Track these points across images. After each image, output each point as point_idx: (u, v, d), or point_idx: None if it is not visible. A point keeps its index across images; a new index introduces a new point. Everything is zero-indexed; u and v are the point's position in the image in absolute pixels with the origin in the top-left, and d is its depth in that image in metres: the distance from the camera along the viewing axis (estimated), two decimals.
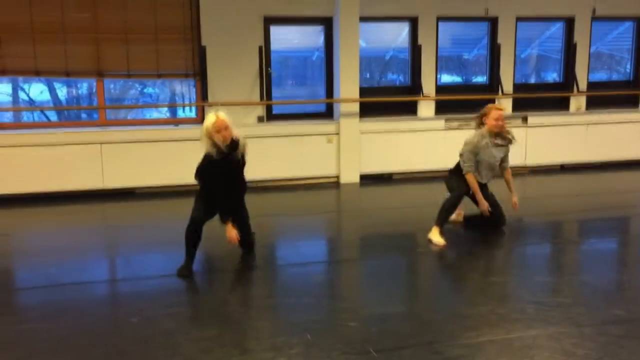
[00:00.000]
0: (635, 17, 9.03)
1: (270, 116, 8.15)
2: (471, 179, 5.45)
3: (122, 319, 3.76)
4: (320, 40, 8.24)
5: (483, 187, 5.60)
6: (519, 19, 8.55)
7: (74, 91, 9.06)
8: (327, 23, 8.07)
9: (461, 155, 5.56)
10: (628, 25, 9.20)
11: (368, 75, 8.92)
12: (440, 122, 8.36)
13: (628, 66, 9.36)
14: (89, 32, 7.43)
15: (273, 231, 6.09)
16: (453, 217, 5.80)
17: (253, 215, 5.11)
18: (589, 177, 8.41)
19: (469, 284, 4.39)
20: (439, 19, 8.31)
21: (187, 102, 8.06)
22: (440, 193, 5.76)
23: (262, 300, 4.17)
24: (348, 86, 7.91)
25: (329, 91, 8.23)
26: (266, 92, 7.97)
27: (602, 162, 8.89)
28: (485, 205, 5.47)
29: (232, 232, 4.65)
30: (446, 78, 9.22)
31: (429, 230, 5.35)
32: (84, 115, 8.46)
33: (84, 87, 8.83)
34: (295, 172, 7.98)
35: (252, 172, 7.78)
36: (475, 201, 5.56)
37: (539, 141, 8.64)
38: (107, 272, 5.02)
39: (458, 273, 4.75)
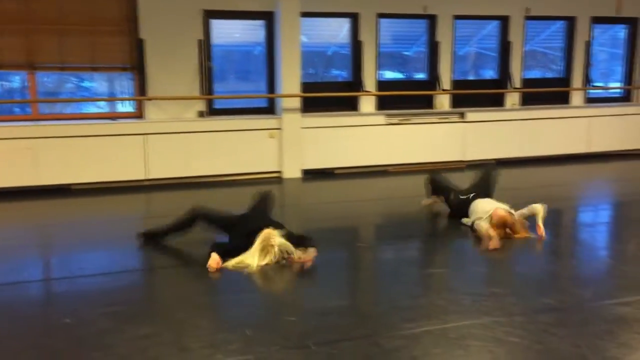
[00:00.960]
0: (566, 17, 9.38)
1: (212, 111, 8.06)
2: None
3: (56, 319, 3.64)
4: (262, 34, 8.20)
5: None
6: (456, 17, 8.75)
7: (5, 84, 8.69)
8: (268, 18, 8.04)
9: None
10: (560, 25, 9.55)
11: (311, 71, 8.94)
12: (381, 118, 8.47)
13: (560, 64, 9.72)
14: (20, 23, 7.15)
15: None
16: (429, 200, 6.21)
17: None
18: (523, 171, 8.69)
19: (409, 277, 4.46)
20: (379, 15, 8.41)
21: (125, 96, 7.88)
22: (381, 188, 5.83)
23: (202, 297, 4.12)
24: (290, 81, 7.90)
25: (271, 86, 8.21)
26: (207, 86, 7.87)
27: (536, 156, 9.21)
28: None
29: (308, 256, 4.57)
30: (387, 74, 9.34)
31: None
32: (16, 110, 8.14)
33: (16, 79, 8.49)
34: (237, 168, 7.92)
35: (193, 168, 7.78)
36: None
37: (476, 137, 8.87)
38: (41, 271, 4.85)
39: (398, 266, 4.83)
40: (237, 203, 7.00)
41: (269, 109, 8.29)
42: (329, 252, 5.03)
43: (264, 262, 4.47)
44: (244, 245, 4.58)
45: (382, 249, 5.19)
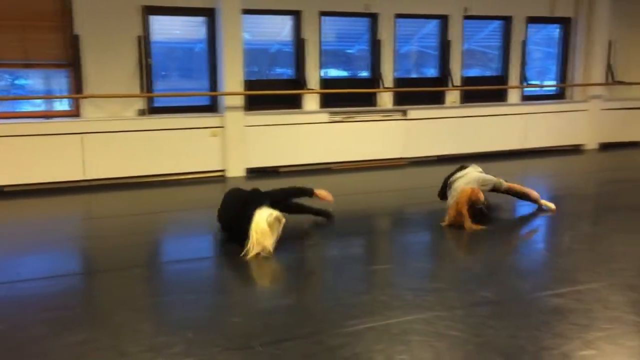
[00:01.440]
0: (503, 17, 9.63)
1: (152, 109, 7.89)
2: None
3: None
4: (203, 31, 8.08)
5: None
6: (397, 16, 8.86)
7: None
8: (209, 14, 7.93)
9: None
10: (497, 24, 9.80)
11: (254, 69, 8.87)
12: (325, 115, 8.49)
13: (498, 63, 9.98)
14: None
15: (156, 228, 5.91)
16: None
17: (136, 213, 4.92)
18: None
19: (353, 274, 4.49)
20: (322, 13, 8.43)
21: (61, 94, 7.62)
22: (325, 186, 5.84)
23: (143, 300, 4.03)
24: (232, 79, 7.83)
25: (213, 84, 8.10)
26: (147, 84, 7.70)
27: (476, 153, 9.42)
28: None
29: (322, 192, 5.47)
30: (331, 72, 9.38)
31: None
32: None
33: None
34: (179, 167, 7.79)
35: (133, 167, 7.61)
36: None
37: (418, 134, 9.01)
38: None
39: (343, 263, 4.85)
40: (179, 202, 6.93)
41: (212, 107, 8.18)
42: (274, 251, 5.01)
43: (275, 238, 4.72)
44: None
45: (327, 246, 5.20)
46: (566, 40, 10.17)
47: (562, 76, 10.20)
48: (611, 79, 10.19)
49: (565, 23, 10.08)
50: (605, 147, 10.30)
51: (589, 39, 9.93)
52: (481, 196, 5.51)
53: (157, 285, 4.37)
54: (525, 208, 6.32)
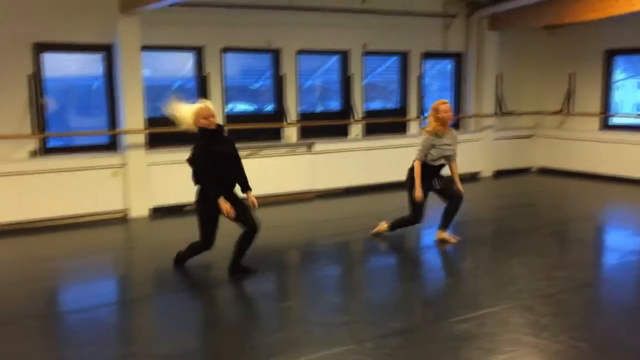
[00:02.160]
0: (400, 52, 10.02)
1: (47, 150, 7.51)
2: (417, 167, 6.16)
3: None
4: (101, 68, 7.83)
5: (435, 170, 6.22)
6: (299, 52, 9.01)
7: None
8: (107, 50, 7.70)
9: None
10: (395, 59, 10.18)
11: (158, 105, 8.65)
12: None
13: (397, 96, 10.34)
14: None
15: (54, 274, 5.57)
16: (377, 228, 6.44)
17: (32, 259, 4.62)
18: (370, 199, 9.06)
19: (264, 311, 4.43)
20: (224, 49, 8.42)
21: None
22: (229, 221, 5.75)
23: (40, 355, 3.76)
24: (133, 116, 7.61)
25: (113, 122, 7.84)
26: (40, 123, 7.33)
27: (381, 183, 9.63)
28: (419, 193, 6.03)
29: (225, 205, 4.94)
30: (236, 107, 9.35)
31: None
32: None
33: None
34: (78, 209, 7.42)
35: (27, 211, 7.17)
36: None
37: (324, 167, 9.11)
38: None
39: (255, 301, 4.77)
40: (79, 247, 6.59)
41: (112, 146, 7.89)
42: (182, 293, 4.87)
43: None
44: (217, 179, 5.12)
45: (239, 283, 5.10)
46: (459, 74, 10.72)
47: (457, 108, 10.70)
48: (500, 110, 10.82)
49: (457, 58, 10.64)
50: (499, 174, 10.87)
51: (480, 72, 10.52)
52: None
53: (54, 338, 4.10)
54: (428, 237, 6.51)
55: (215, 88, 8.38)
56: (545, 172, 11.02)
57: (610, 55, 10.37)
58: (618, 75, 10.66)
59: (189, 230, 7.34)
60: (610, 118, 10.56)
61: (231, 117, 8.72)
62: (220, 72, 8.45)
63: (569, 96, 10.76)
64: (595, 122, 10.49)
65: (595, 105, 10.46)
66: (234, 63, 8.90)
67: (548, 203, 8.90)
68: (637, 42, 9.81)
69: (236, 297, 4.95)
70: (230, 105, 8.90)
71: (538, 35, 10.69)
